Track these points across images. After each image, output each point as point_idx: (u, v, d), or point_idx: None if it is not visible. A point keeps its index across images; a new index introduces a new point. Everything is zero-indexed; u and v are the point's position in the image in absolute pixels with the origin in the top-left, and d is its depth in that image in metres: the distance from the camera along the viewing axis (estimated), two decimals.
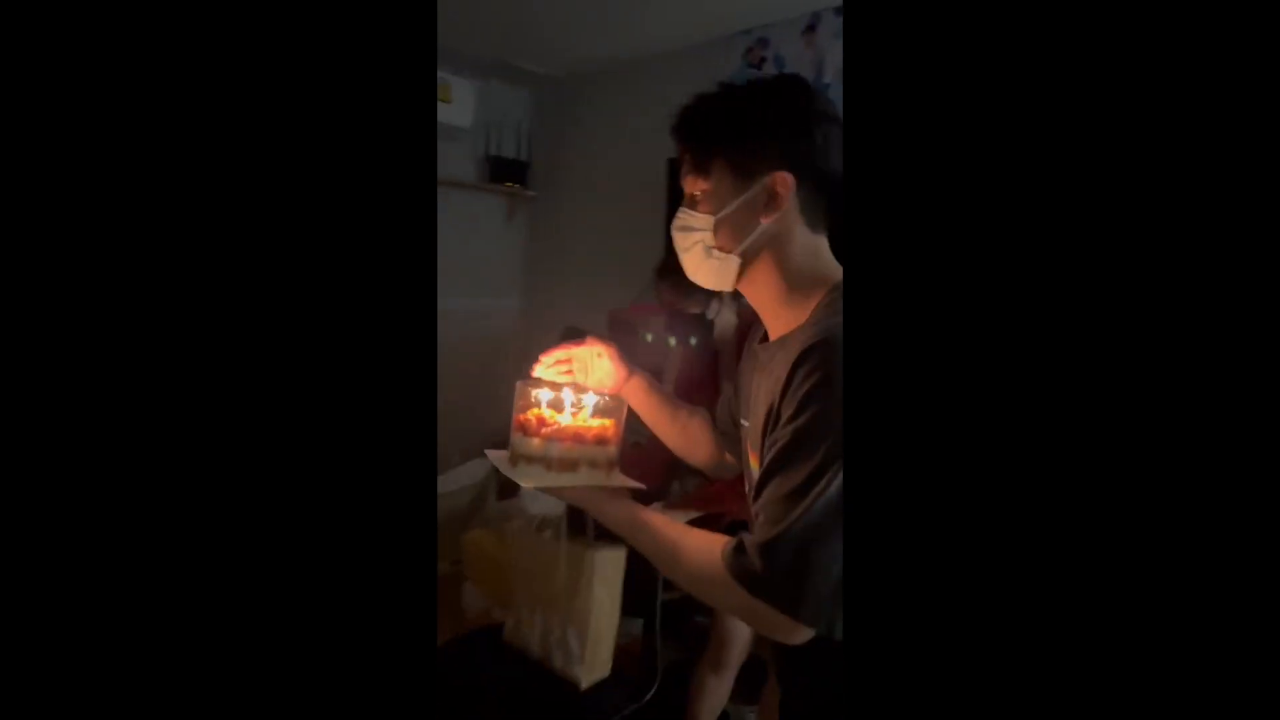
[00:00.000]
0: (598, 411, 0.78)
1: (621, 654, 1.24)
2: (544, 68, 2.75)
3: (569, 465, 0.72)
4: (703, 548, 0.66)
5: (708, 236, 0.71)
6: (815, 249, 0.71)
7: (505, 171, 2.93)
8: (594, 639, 1.20)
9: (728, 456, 0.93)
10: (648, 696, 0.83)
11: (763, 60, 2.17)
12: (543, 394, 0.77)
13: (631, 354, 0.90)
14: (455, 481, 2.15)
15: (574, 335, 1.28)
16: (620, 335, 2.31)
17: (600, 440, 0.74)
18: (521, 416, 0.75)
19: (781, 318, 0.72)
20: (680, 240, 0.73)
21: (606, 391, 0.86)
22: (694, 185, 0.72)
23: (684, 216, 0.72)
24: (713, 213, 0.70)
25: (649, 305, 2.51)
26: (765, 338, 0.76)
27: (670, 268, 1.34)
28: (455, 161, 2.85)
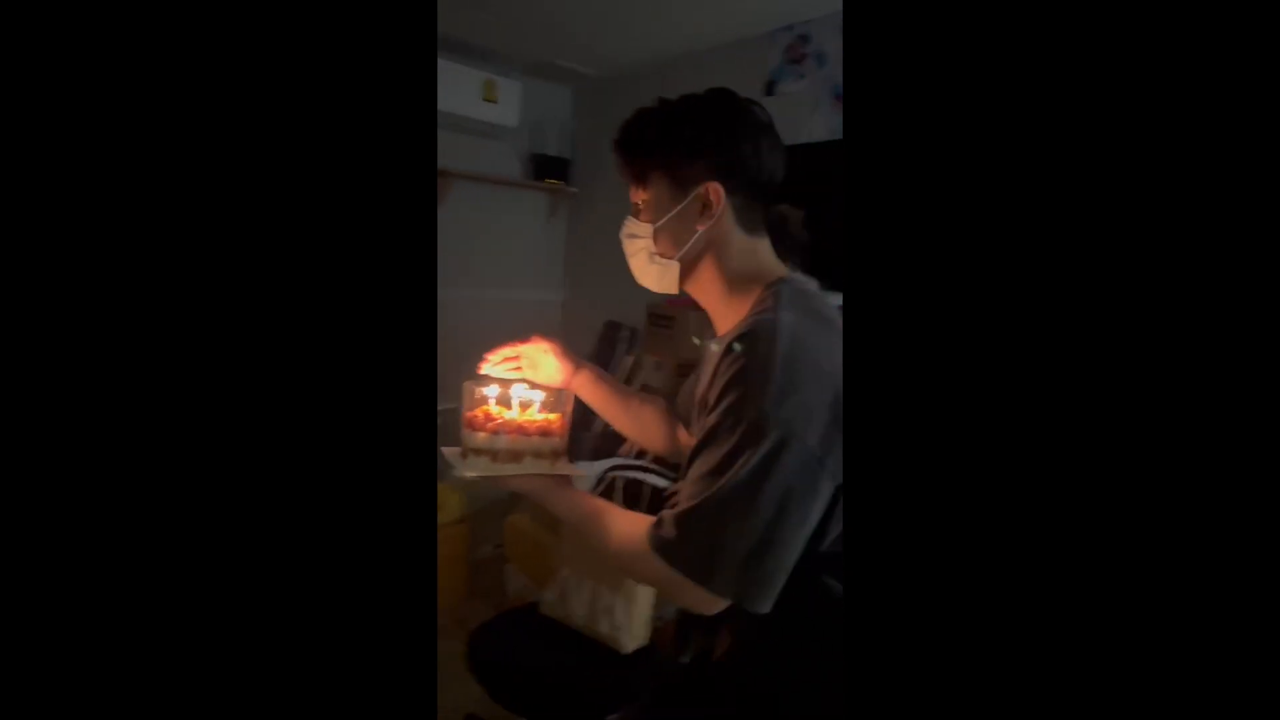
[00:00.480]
0: (545, 406, 0.84)
1: (655, 633, 1.30)
2: (586, 67, 2.81)
3: (513, 457, 0.78)
4: (629, 527, 0.71)
5: (649, 243, 0.77)
6: (753, 250, 0.76)
7: (548, 168, 3.00)
8: (638, 608, 1.25)
9: (682, 440, 0.97)
10: (685, 660, 0.88)
11: (804, 56, 2.18)
12: (490, 390, 0.83)
13: (669, 347, 0.94)
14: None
15: (614, 329, 1.33)
16: (659, 329, 2.35)
17: (544, 433, 0.80)
18: (469, 413, 0.81)
19: (725, 316, 0.77)
20: (627, 246, 0.80)
21: (554, 385, 0.92)
22: (636, 195, 0.78)
23: (629, 225, 0.79)
24: (652, 221, 0.76)
25: (687, 300, 2.54)
26: (713, 334, 0.82)
27: None
28: (501, 159, 2.94)
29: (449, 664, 1.54)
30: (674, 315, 2.33)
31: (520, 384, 0.86)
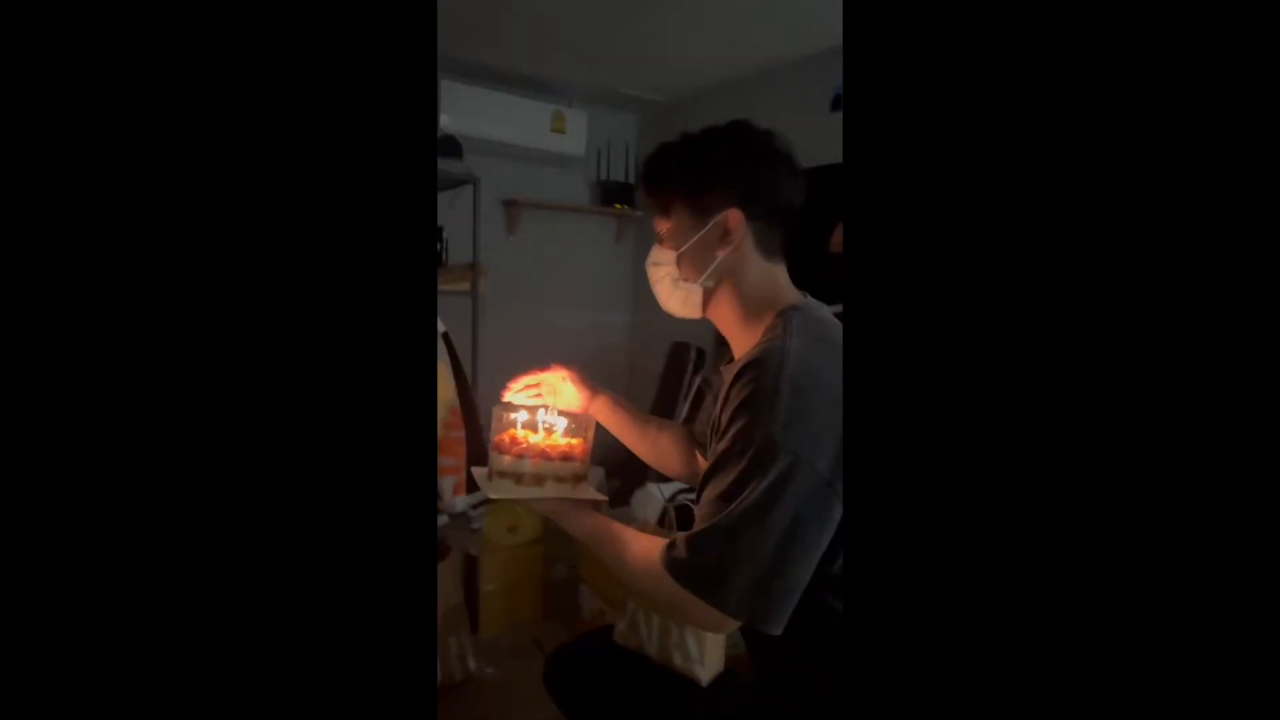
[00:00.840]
0: (567, 431, 0.87)
1: (731, 660, 1.27)
2: (650, 93, 2.86)
3: (536, 480, 0.81)
4: (645, 549, 0.72)
5: (673, 270, 0.80)
6: (770, 276, 0.78)
7: (614, 194, 3.06)
8: (711, 639, 1.24)
9: (700, 465, 0.96)
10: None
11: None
12: (519, 415, 0.87)
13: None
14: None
15: (682, 349, 1.35)
16: (726, 349, 2.34)
17: (566, 457, 0.82)
18: (497, 436, 0.84)
19: (740, 341, 0.79)
20: (652, 274, 0.83)
21: (574, 411, 0.95)
22: (660, 225, 0.81)
23: (654, 253, 0.82)
24: (676, 248, 0.79)
25: None
26: (730, 359, 0.82)
27: None
28: (570, 187, 3.02)
29: (526, 684, 1.56)
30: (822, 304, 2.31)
31: (544, 411, 0.89)
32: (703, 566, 0.64)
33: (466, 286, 2.18)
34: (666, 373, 2.81)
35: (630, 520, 1.70)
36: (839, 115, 2.25)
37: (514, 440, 0.83)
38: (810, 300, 0.79)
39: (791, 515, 0.62)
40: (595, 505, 0.83)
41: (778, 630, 0.63)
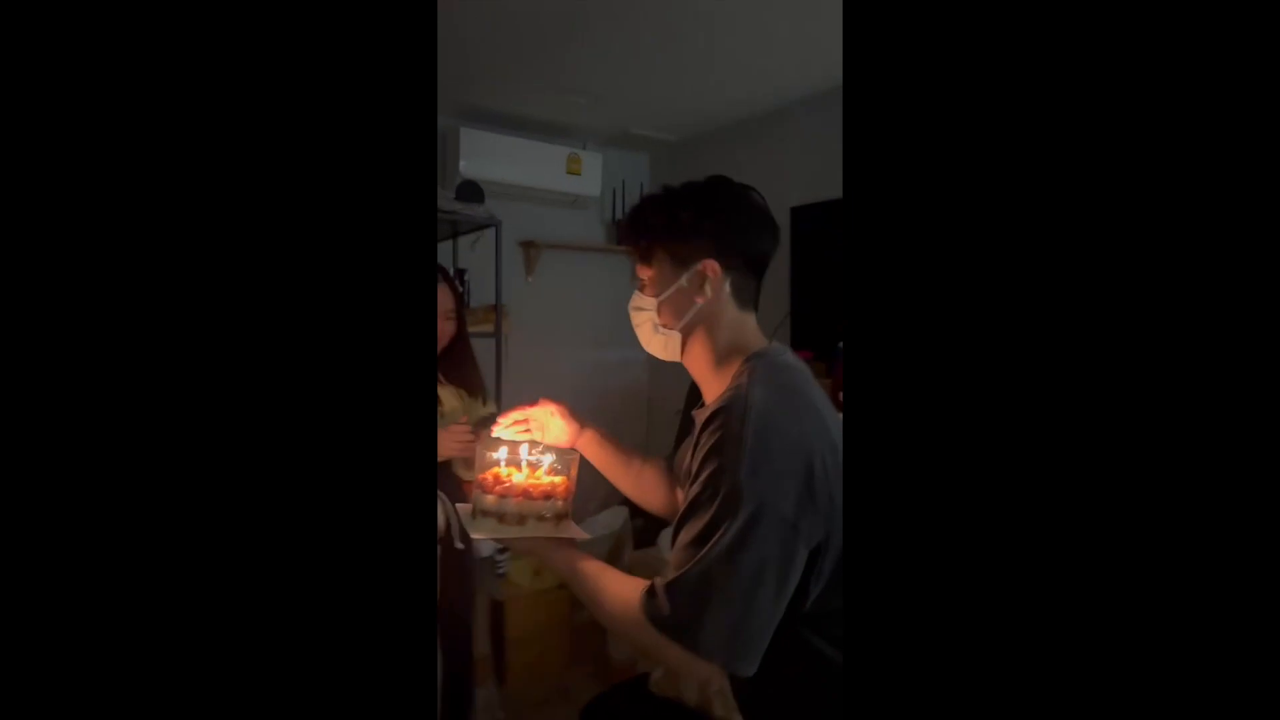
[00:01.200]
0: (551, 469, 0.88)
1: None
2: (662, 133, 2.92)
3: (518, 520, 0.82)
4: (623, 592, 0.73)
5: (654, 315, 0.84)
6: (741, 324, 0.83)
7: None
8: None
9: (680, 502, 0.97)
10: None
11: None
12: (500, 454, 0.88)
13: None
14: (593, 529, 2.24)
15: (697, 394, 1.34)
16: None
17: (548, 496, 0.84)
18: (480, 475, 0.86)
19: (710, 386, 0.83)
20: (634, 318, 0.87)
21: (561, 445, 0.97)
22: (642, 272, 0.85)
23: (635, 299, 0.86)
24: (656, 295, 0.83)
25: None
26: (702, 403, 0.85)
27: None
28: (586, 226, 3.07)
29: None
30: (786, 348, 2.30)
31: (527, 446, 0.90)
32: (681, 614, 0.66)
33: (490, 328, 2.19)
34: (686, 409, 2.80)
35: (660, 561, 1.67)
36: None
37: (496, 479, 0.85)
38: (775, 346, 0.83)
39: (760, 558, 0.65)
40: (577, 543, 0.85)
41: (750, 671, 0.66)
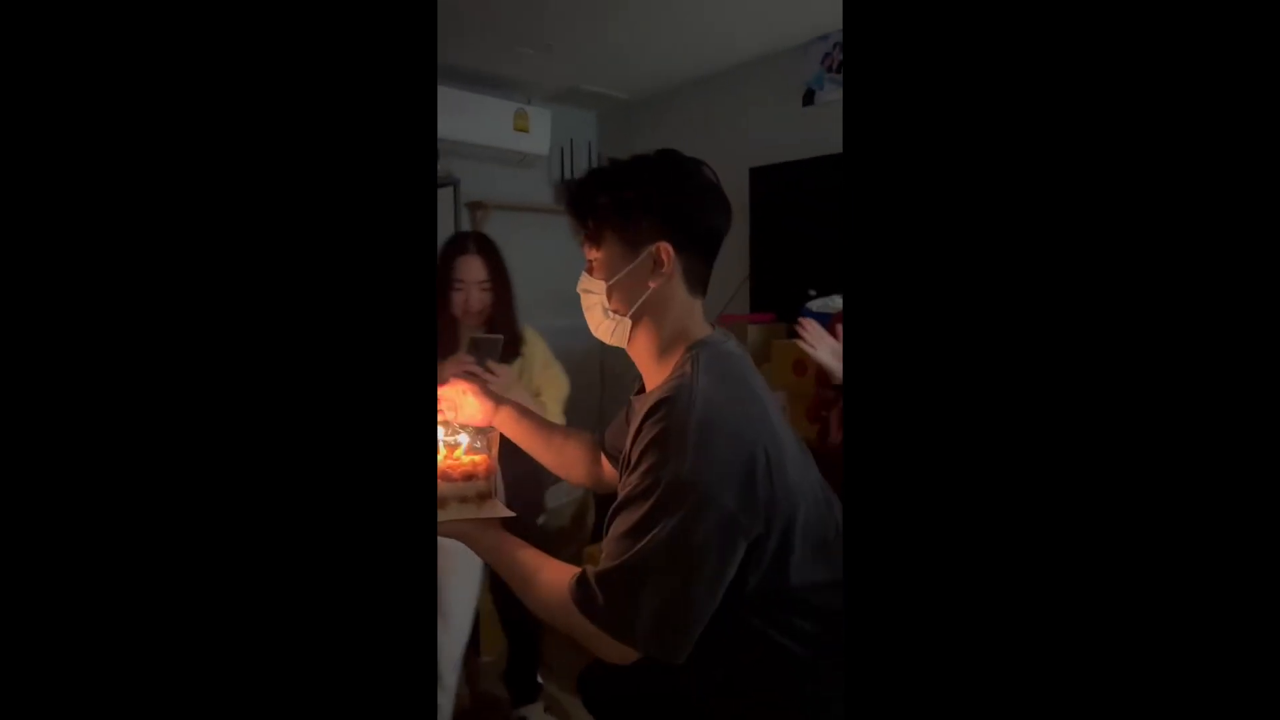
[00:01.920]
0: (470, 448, 0.84)
1: None
2: (614, 90, 2.83)
3: (440, 504, 0.78)
4: (554, 578, 0.72)
5: (603, 299, 0.79)
6: (689, 311, 0.79)
7: None
8: None
9: (606, 474, 0.99)
10: None
11: (842, 65, 2.18)
12: None
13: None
14: (554, 499, 2.21)
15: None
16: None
17: (469, 476, 0.80)
18: None
19: (652, 373, 0.81)
20: (584, 300, 0.82)
21: (477, 424, 0.94)
22: (590, 253, 0.81)
23: (584, 280, 0.82)
24: (606, 279, 0.79)
25: (732, 317, 2.53)
26: (641, 389, 0.84)
27: None
28: (534, 186, 2.95)
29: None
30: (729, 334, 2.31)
31: (442, 427, 0.86)
32: (611, 604, 0.65)
33: None
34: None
35: None
36: (810, 110, 2.28)
37: None
38: (718, 334, 0.80)
39: (698, 552, 0.63)
40: (504, 522, 0.82)
41: (679, 661, 0.66)
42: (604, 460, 1.00)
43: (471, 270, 1.42)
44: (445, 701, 1.62)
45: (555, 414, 1.44)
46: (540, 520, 1.65)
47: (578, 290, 0.82)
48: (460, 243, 1.47)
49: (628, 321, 0.79)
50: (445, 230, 2.17)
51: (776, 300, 2.26)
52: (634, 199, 0.76)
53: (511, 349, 1.49)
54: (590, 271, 0.81)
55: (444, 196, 2.18)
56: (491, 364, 1.31)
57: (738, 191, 2.62)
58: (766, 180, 2.33)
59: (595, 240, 0.79)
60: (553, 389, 1.47)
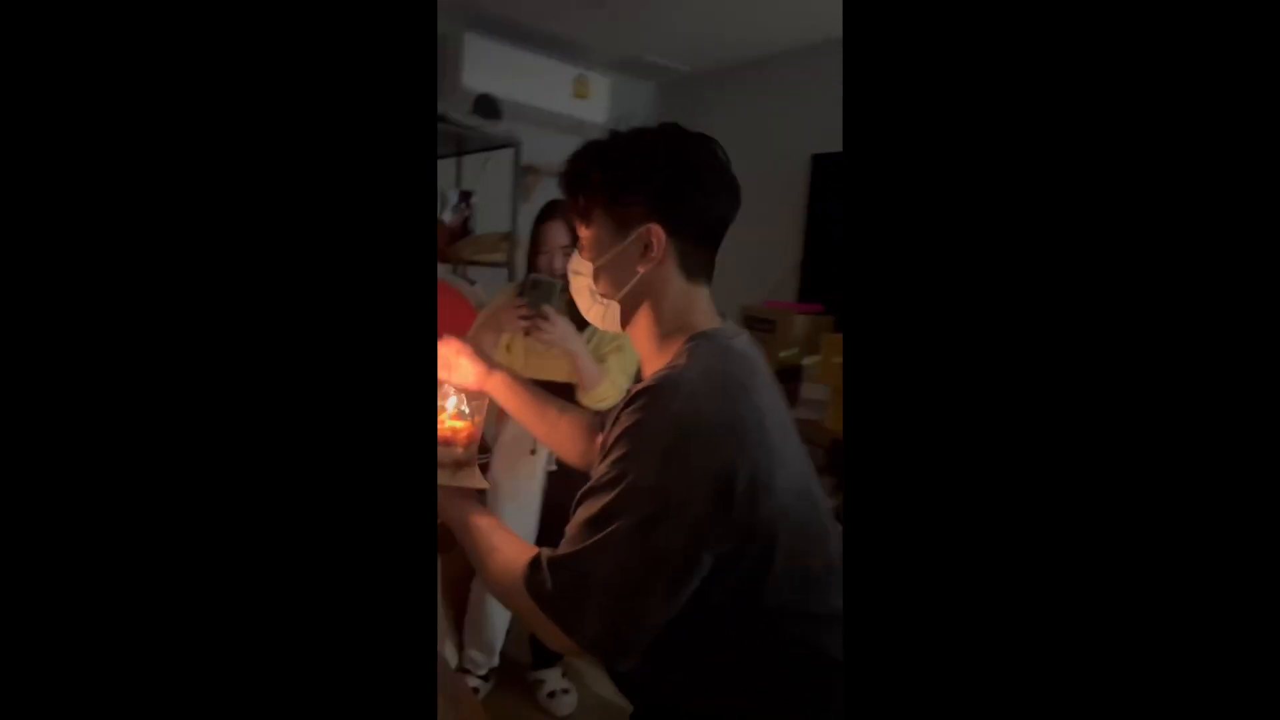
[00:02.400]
0: (457, 413, 0.81)
1: None
2: (676, 62, 2.76)
3: None
4: (511, 556, 0.68)
5: (591, 281, 0.74)
6: (690, 298, 0.73)
7: None
8: None
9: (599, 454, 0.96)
10: None
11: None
12: None
13: (769, 351, 0.89)
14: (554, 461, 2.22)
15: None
16: (757, 332, 2.31)
17: (447, 442, 0.77)
18: None
19: (651, 363, 0.75)
20: (572, 282, 0.78)
21: (469, 388, 0.89)
22: (580, 231, 0.75)
23: (573, 260, 0.77)
24: (593, 260, 0.73)
25: (783, 302, 2.49)
26: (640, 379, 0.80)
27: None
28: None
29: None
30: (774, 319, 2.29)
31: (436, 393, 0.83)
32: (560, 592, 0.62)
33: (500, 257, 2.06)
34: None
35: None
36: None
37: None
38: (727, 326, 0.74)
39: (654, 560, 0.59)
40: (478, 494, 0.79)
41: (627, 667, 0.62)
42: (599, 441, 0.97)
43: (556, 235, 1.44)
44: (485, 660, 1.65)
45: (620, 384, 1.42)
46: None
47: (568, 271, 0.78)
48: (549, 209, 1.49)
49: (616, 306, 0.74)
50: (505, 191, 2.16)
51: (828, 291, 2.23)
52: (625, 175, 0.69)
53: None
54: (580, 252, 0.75)
55: (505, 157, 2.15)
56: (546, 309, 1.29)
57: (797, 177, 2.57)
58: (829, 168, 2.28)
59: (585, 217, 0.73)
60: (619, 358, 1.45)
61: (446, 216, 2.05)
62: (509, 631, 1.66)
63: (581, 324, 1.46)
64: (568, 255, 1.44)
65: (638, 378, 0.80)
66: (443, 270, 1.90)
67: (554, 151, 2.85)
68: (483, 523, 0.74)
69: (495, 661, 1.66)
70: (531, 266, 1.46)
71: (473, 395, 0.85)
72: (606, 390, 1.39)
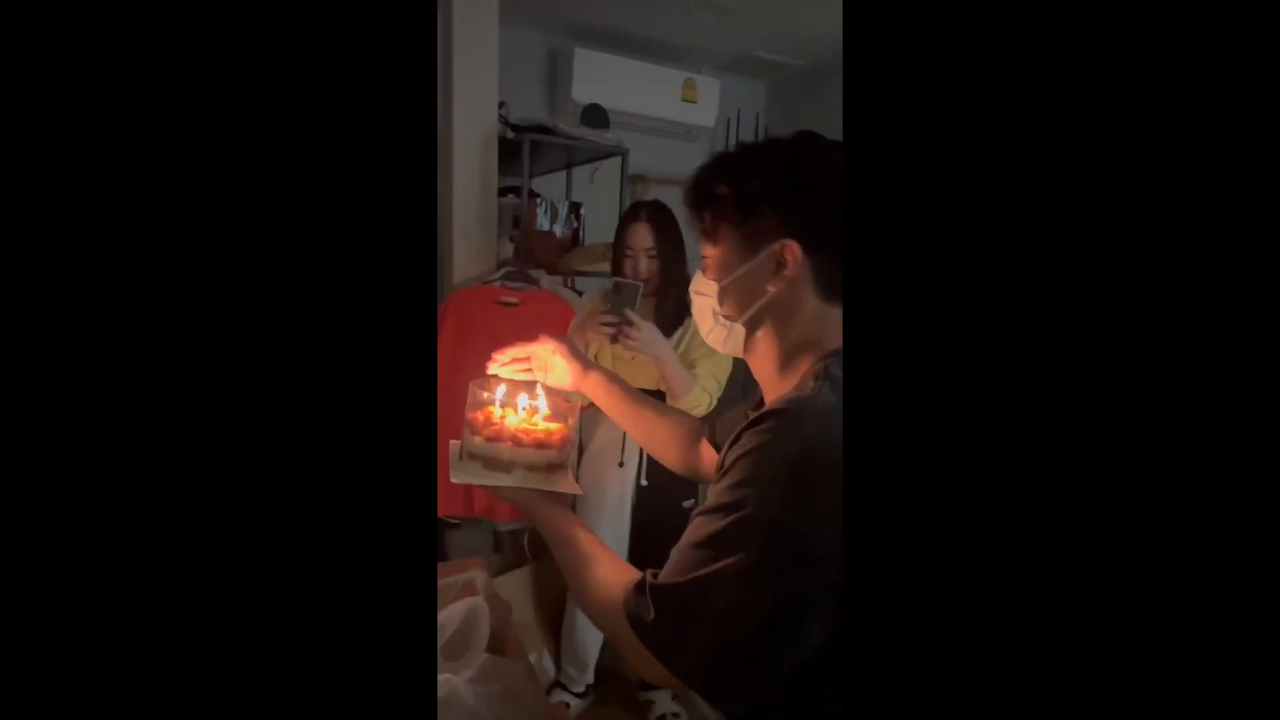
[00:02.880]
0: (551, 414, 0.79)
1: None
2: (785, 57, 2.65)
3: (503, 466, 0.74)
4: (610, 578, 0.65)
5: (715, 302, 0.70)
6: (822, 318, 0.66)
7: None
8: None
9: (703, 463, 0.90)
10: None
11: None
12: (497, 393, 0.79)
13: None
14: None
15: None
16: None
17: (541, 445, 0.75)
18: (471, 414, 0.77)
19: (773, 388, 0.69)
20: (694, 304, 0.73)
21: (565, 388, 0.88)
22: (706, 250, 0.70)
23: (696, 280, 0.72)
24: (719, 279, 0.68)
25: None
26: (760, 402, 0.73)
27: None
28: (698, 159, 2.86)
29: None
30: None
31: (525, 391, 0.81)
32: (662, 623, 0.57)
33: (608, 267, 2.05)
34: None
35: None
36: None
37: (487, 420, 0.76)
38: None
39: (771, 598, 0.54)
40: (570, 499, 0.77)
41: (734, 713, 0.59)
42: (704, 448, 0.91)
43: (640, 238, 1.42)
44: (579, 676, 1.63)
45: (711, 390, 1.36)
46: (688, 504, 1.60)
47: (690, 292, 0.73)
48: (633, 211, 1.47)
49: (741, 329, 0.69)
50: (613, 202, 2.16)
51: None
52: (756, 190, 0.65)
53: (675, 318, 1.43)
54: (704, 271, 0.71)
55: (613, 167, 2.15)
56: (630, 314, 1.25)
57: None
58: None
59: (712, 235, 0.69)
60: (709, 364, 1.39)
61: (557, 229, 2.07)
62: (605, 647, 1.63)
63: (669, 329, 1.41)
64: (652, 258, 1.41)
65: (743, 388, 0.74)
66: (553, 283, 1.91)
67: (662, 158, 2.83)
68: (580, 535, 0.71)
69: (590, 678, 1.64)
70: (616, 270, 1.44)
71: (567, 396, 0.84)
72: (697, 398, 1.33)
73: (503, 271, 1.81)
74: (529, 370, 0.89)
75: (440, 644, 0.88)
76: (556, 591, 1.79)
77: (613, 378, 0.93)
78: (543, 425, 0.78)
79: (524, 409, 0.80)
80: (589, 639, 1.61)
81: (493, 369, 0.88)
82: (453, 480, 0.75)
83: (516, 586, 1.83)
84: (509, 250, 1.96)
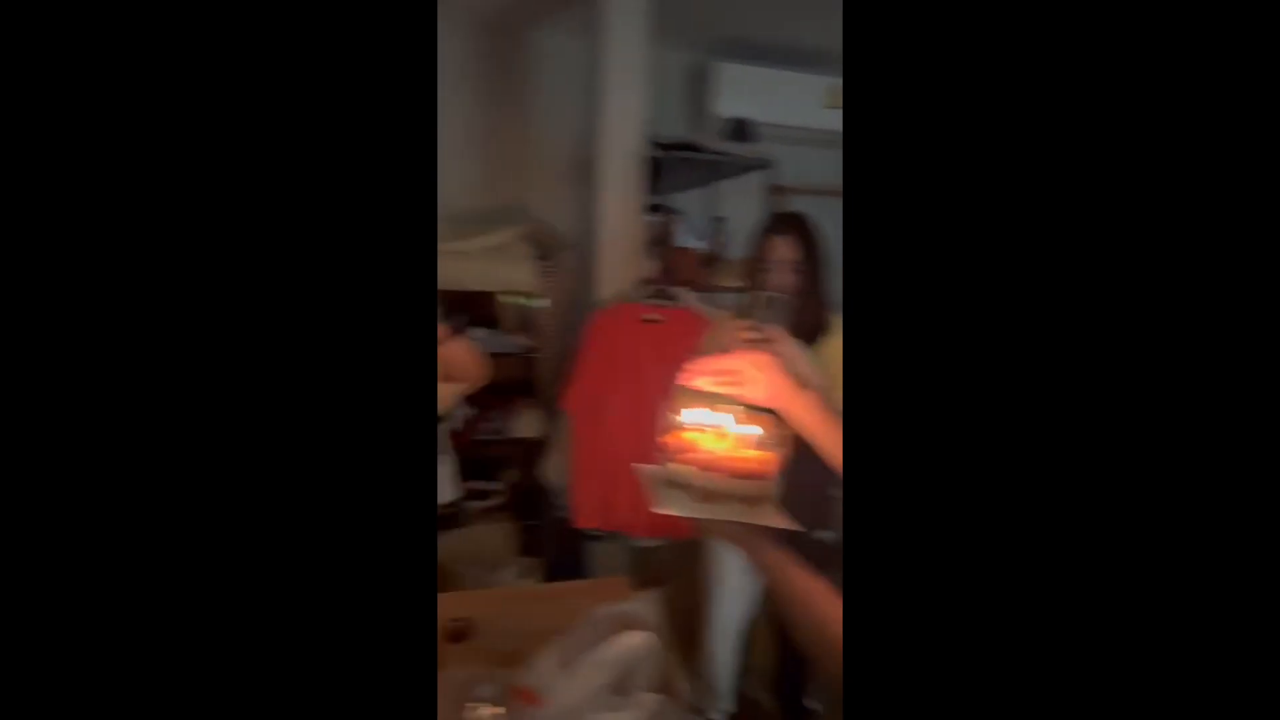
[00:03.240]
0: (760, 440, 0.72)
1: None
2: None
3: (716, 498, 0.68)
4: (838, 618, 0.62)
5: None
6: None
7: None
8: None
9: None
10: None
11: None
12: (699, 414, 0.72)
13: None
14: None
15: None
16: None
17: (755, 476, 0.69)
18: (668, 436, 0.71)
19: None
20: None
21: (769, 406, 0.78)
22: None
23: None
24: None
25: None
26: None
27: None
28: (836, 169, 2.75)
29: None
30: None
31: (731, 416, 0.74)
32: None
33: (747, 281, 2.02)
34: None
35: None
36: None
37: (683, 444, 0.69)
38: None
39: None
40: (784, 534, 0.70)
41: None
42: None
43: (779, 250, 1.36)
44: (717, 700, 1.59)
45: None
46: (825, 535, 1.50)
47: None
48: (775, 221, 1.42)
49: None
50: (754, 214, 2.12)
51: None
52: None
53: (812, 334, 1.36)
54: None
55: (758, 180, 2.11)
56: (773, 329, 1.17)
57: None
58: None
59: None
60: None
61: (701, 245, 2.06)
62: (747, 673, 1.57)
63: (805, 345, 1.33)
64: (797, 272, 1.33)
65: None
66: (695, 299, 1.90)
67: (800, 169, 2.74)
68: (806, 582, 0.67)
69: (731, 705, 1.58)
70: (752, 283, 1.37)
71: (770, 423, 0.76)
72: None
73: (645, 289, 1.82)
74: (735, 383, 0.81)
75: (606, 680, 0.85)
76: (688, 614, 1.76)
77: (826, 401, 0.85)
78: (754, 454, 0.73)
79: (734, 437, 0.74)
80: (725, 662, 1.57)
81: (695, 381, 0.80)
82: (658, 510, 0.70)
83: (650, 608, 1.81)
84: (655, 268, 1.97)
